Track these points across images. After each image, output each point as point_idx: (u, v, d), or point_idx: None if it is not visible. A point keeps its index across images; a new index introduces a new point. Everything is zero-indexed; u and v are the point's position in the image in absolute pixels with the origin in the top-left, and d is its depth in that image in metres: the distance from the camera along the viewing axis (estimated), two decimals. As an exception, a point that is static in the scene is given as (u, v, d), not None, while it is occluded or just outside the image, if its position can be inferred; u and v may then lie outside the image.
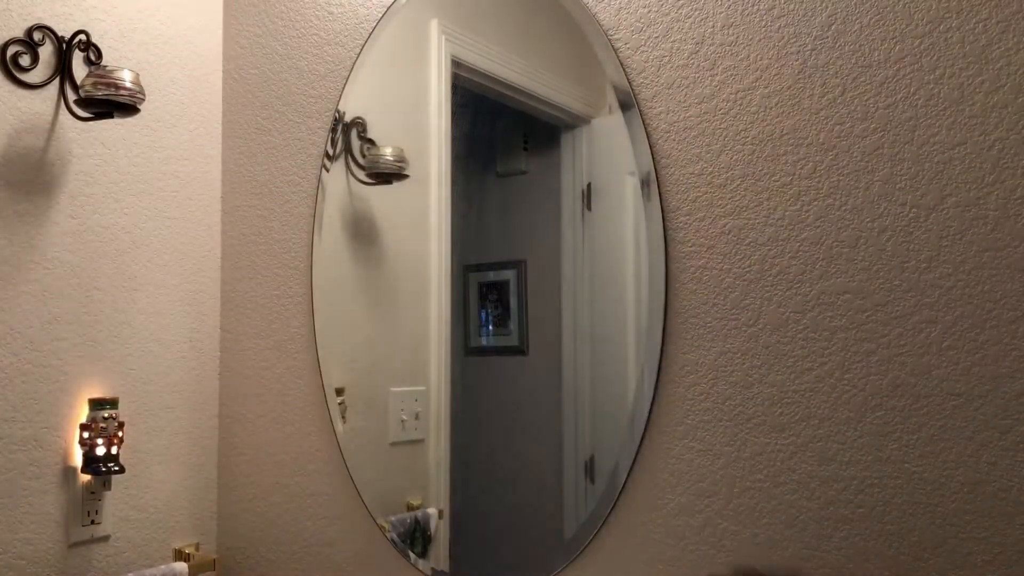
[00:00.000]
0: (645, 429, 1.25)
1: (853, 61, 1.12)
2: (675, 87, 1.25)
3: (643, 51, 1.28)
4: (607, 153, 1.40)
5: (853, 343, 1.11)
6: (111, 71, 1.48)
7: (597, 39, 1.31)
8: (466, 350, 1.57)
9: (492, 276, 1.55)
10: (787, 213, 1.16)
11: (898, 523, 1.07)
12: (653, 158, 1.25)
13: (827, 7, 1.14)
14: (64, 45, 1.54)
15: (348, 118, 1.62)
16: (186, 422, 1.76)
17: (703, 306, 1.21)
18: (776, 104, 1.17)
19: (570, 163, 1.45)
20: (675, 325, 1.23)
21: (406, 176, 1.58)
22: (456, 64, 1.53)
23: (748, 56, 1.19)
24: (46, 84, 1.52)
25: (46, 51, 1.52)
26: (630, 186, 1.30)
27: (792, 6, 1.16)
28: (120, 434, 1.58)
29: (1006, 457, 1.01)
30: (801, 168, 1.15)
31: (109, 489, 1.61)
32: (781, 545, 1.14)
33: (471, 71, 1.52)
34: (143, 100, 1.51)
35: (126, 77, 1.48)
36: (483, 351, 1.56)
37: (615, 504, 1.27)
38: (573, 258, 1.39)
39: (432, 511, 1.53)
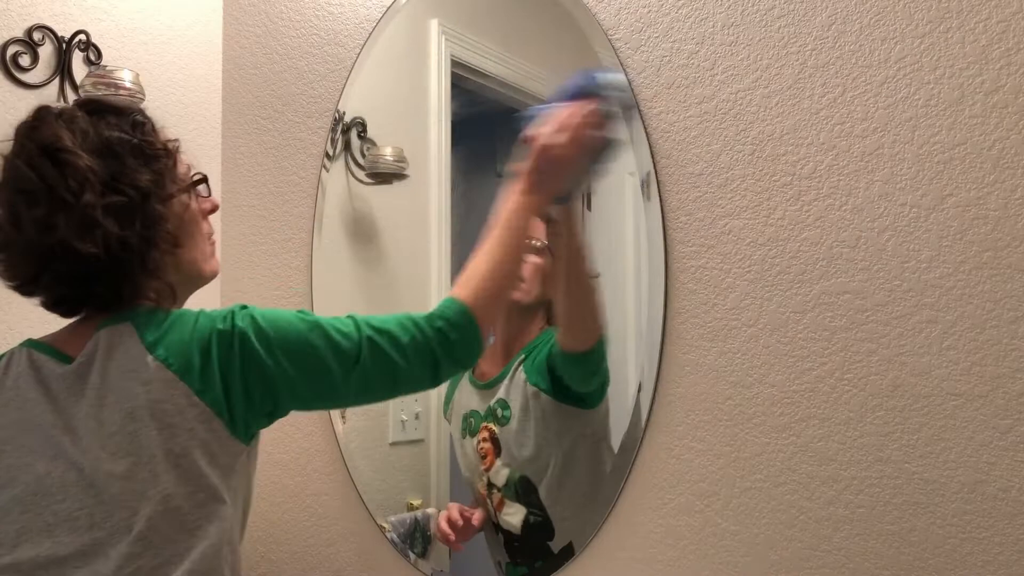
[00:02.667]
0: (645, 429, 1.25)
1: (853, 61, 1.12)
2: (675, 87, 1.25)
3: (643, 51, 1.28)
4: (607, 153, 1.40)
5: (853, 343, 1.11)
6: (111, 71, 1.48)
7: (597, 39, 1.31)
8: (466, 350, 1.56)
9: (492, 276, 1.54)
10: (787, 213, 1.16)
11: (898, 523, 1.07)
12: (653, 158, 1.25)
13: (827, 7, 1.14)
14: (64, 45, 1.54)
15: (348, 118, 1.62)
16: (186, 422, 1.75)
17: (703, 306, 1.21)
18: (776, 104, 1.17)
19: (570, 163, 1.45)
20: (675, 325, 1.23)
21: (406, 176, 1.58)
22: (456, 64, 1.53)
23: (748, 56, 1.19)
24: (46, 84, 1.52)
25: (46, 51, 1.52)
26: (630, 186, 1.30)
27: (792, 6, 1.16)
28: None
29: (1006, 457, 1.01)
30: (801, 168, 1.15)
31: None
32: (781, 545, 1.14)
33: (471, 71, 1.52)
34: (143, 100, 1.51)
35: (126, 77, 1.49)
36: (483, 351, 1.56)
37: (615, 504, 1.27)
38: (573, 258, 1.39)
39: (432, 511, 1.53)
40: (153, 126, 1.01)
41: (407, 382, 1.01)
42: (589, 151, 1.14)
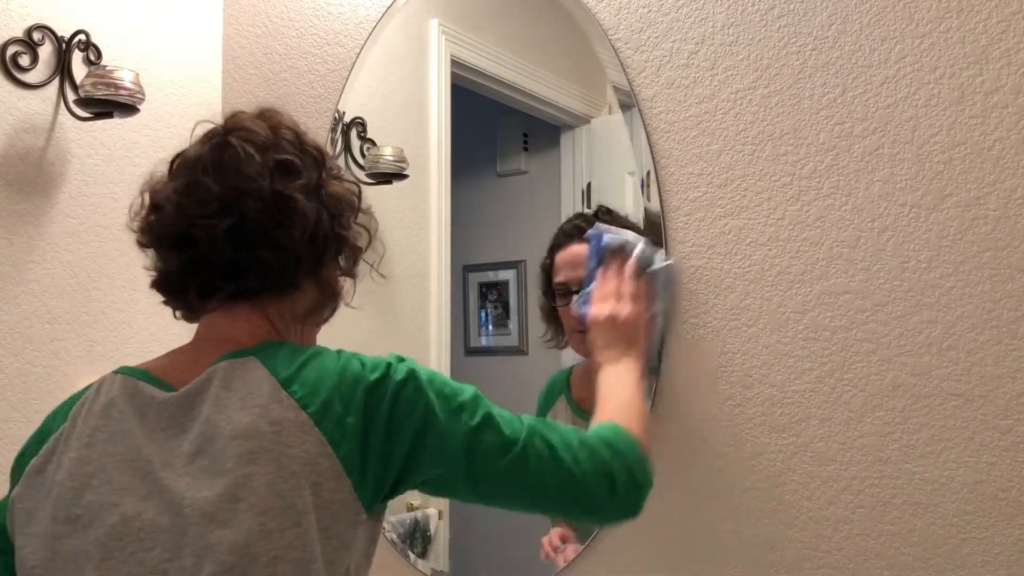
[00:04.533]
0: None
1: (853, 61, 1.12)
2: (675, 87, 1.25)
3: (643, 51, 1.28)
4: (607, 153, 1.40)
5: (853, 343, 1.11)
6: (111, 71, 1.48)
7: (597, 39, 1.31)
8: (466, 350, 1.56)
9: (492, 276, 1.55)
10: (787, 213, 1.16)
11: (898, 523, 1.07)
12: (653, 158, 1.25)
13: (827, 7, 1.14)
14: (64, 45, 1.54)
15: (348, 118, 1.62)
16: (186, 422, 1.75)
17: (703, 306, 1.21)
18: (776, 104, 1.17)
19: (570, 163, 1.45)
20: (675, 325, 1.23)
21: (406, 176, 1.58)
22: (456, 64, 1.53)
23: (748, 56, 1.19)
24: (46, 84, 1.52)
25: (46, 51, 1.52)
26: (630, 186, 1.30)
27: (792, 6, 1.16)
28: (120, 434, 1.57)
29: (1006, 457, 1.01)
30: (801, 168, 1.15)
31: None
32: (781, 545, 1.14)
33: (471, 71, 1.52)
34: (143, 100, 1.51)
35: (126, 77, 1.48)
36: (483, 351, 1.56)
37: (615, 504, 1.27)
38: (573, 258, 1.39)
39: (432, 511, 1.53)
40: None
41: (580, 484, 0.89)
42: (651, 300, 1.19)
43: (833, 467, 1.11)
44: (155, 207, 0.92)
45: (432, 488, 0.90)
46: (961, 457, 1.04)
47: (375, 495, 0.85)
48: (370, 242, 1.01)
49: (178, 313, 0.97)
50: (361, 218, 0.99)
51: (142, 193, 0.94)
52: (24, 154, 1.50)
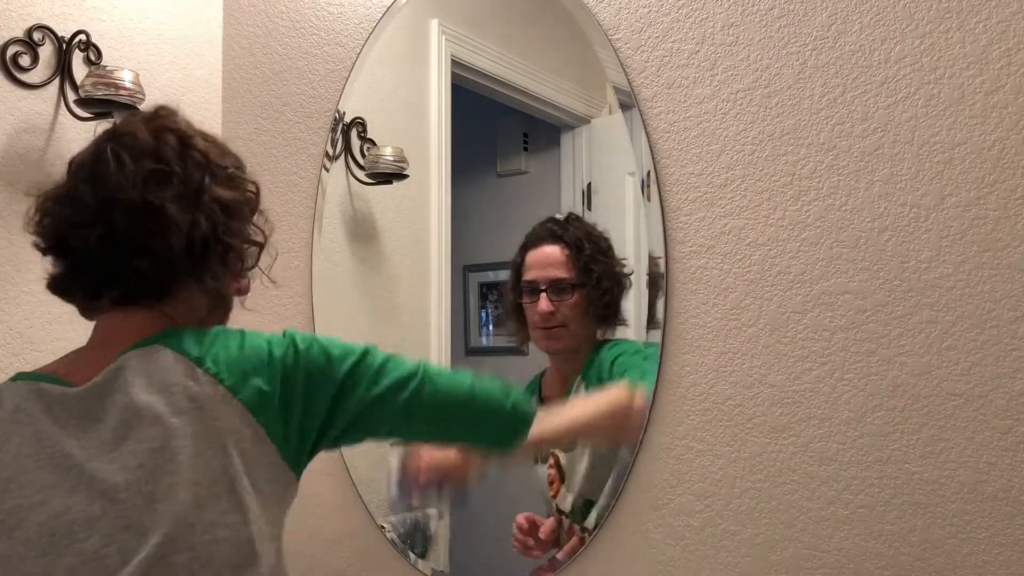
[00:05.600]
0: (645, 429, 1.25)
1: (853, 61, 1.12)
2: (675, 87, 1.25)
3: (643, 51, 1.28)
4: (607, 153, 1.40)
5: (853, 343, 1.11)
6: (111, 71, 1.48)
7: (597, 39, 1.31)
8: (466, 350, 1.57)
9: (492, 276, 1.55)
10: (787, 213, 1.16)
11: (898, 523, 1.07)
12: (653, 158, 1.25)
13: (827, 7, 1.14)
14: (64, 45, 1.54)
15: (348, 118, 1.62)
16: (186, 422, 1.75)
17: (703, 306, 1.21)
18: (776, 104, 1.17)
19: (570, 163, 1.45)
20: (675, 325, 1.23)
21: (406, 176, 1.58)
22: (456, 64, 1.53)
23: (748, 56, 1.19)
24: (46, 84, 1.52)
25: (46, 51, 1.52)
26: (630, 186, 1.30)
27: (792, 6, 1.16)
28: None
29: (1006, 457, 1.01)
30: (801, 168, 1.15)
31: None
32: (781, 545, 1.14)
33: (471, 71, 1.52)
34: (143, 100, 1.51)
35: (126, 77, 1.48)
36: (483, 351, 1.56)
37: (615, 504, 1.27)
38: (573, 258, 1.39)
39: (432, 511, 1.53)
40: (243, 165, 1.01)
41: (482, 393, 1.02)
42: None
43: (833, 467, 1.11)
44: (44, 213, 0.95)
45: (353, 434, 0.96)
46: (961, 457, 1.04)
47: (298, 454, 0.91)
48: (263, 246, 1.00)
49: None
50: (257, 219, 0.99)
51: (36, 198, 0.96)
52: (24, 154, 1.50)
